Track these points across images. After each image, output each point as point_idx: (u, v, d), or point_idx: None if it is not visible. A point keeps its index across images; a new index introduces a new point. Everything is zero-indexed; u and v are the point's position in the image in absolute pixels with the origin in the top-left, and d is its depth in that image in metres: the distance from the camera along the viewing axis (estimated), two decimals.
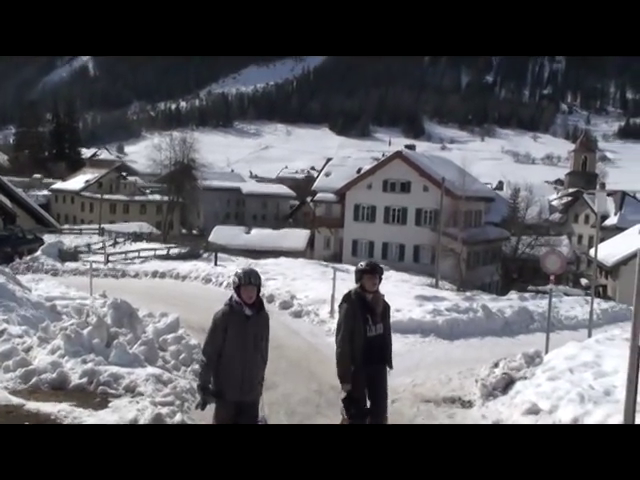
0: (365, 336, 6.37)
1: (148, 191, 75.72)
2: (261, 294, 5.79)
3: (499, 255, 49.38)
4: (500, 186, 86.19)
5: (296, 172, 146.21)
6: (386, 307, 6.65)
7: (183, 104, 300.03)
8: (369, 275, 6.42)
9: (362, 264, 6.57)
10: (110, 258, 33.94)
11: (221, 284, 23.93)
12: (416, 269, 41.31)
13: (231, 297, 5.70)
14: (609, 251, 42.50)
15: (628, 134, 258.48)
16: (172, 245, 40.54)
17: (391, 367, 6.76)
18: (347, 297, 6.50)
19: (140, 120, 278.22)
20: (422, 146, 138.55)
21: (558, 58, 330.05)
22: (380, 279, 6.55)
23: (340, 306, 6.60)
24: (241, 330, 5.59)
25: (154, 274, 27.80)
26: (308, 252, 52.23)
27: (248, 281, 5.57)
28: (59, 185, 77.43)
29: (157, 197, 69.21)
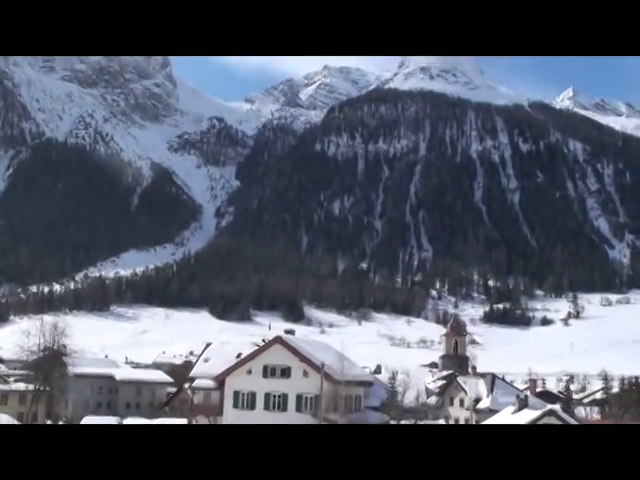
0: None
1: (12, 379, 70.44)
2: None
3: None
4: (378, 370, 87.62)
5: (174, 357, 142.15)
6: None
7: (57, 287, 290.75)
8: None
9: None
10: None
11: None
12: None
13: None
14: None
15: (492, 319, 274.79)
16: None
17: None
18: None
19: (8, 303, 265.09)
20: (302, 330, 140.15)
21: (425, 247, 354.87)
22: None
23: None
24: None
25: None
26: None
27: None
28: None
29: (21, 386, 64.44)
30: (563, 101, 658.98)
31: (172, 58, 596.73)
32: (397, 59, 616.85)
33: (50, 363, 55.53)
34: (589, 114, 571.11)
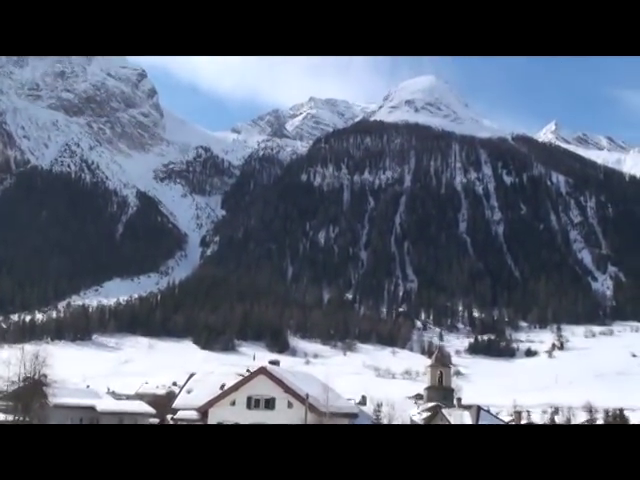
0: None
1: None
2: None
3: None
4: (363, 401, 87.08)
5: (157, 387, 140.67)
6: None
7: (39, 316, 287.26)
8: None
9: None
10: None
11: None
12: None
13: None
14: None
15: (477, 350, 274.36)
16: None
17: None
18: None
19: None
20: (287, 360, 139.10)
21: (411, 277, 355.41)
22: None
23: None
24: None
25: None
26: None
27: None
28: None
29: (0, 417, 63.39)
30: (546, 134, 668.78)
31: (159, 87, 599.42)
32: (383, 92, 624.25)
33: (30, 393, 54.68)
34: (571, 147, 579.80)
